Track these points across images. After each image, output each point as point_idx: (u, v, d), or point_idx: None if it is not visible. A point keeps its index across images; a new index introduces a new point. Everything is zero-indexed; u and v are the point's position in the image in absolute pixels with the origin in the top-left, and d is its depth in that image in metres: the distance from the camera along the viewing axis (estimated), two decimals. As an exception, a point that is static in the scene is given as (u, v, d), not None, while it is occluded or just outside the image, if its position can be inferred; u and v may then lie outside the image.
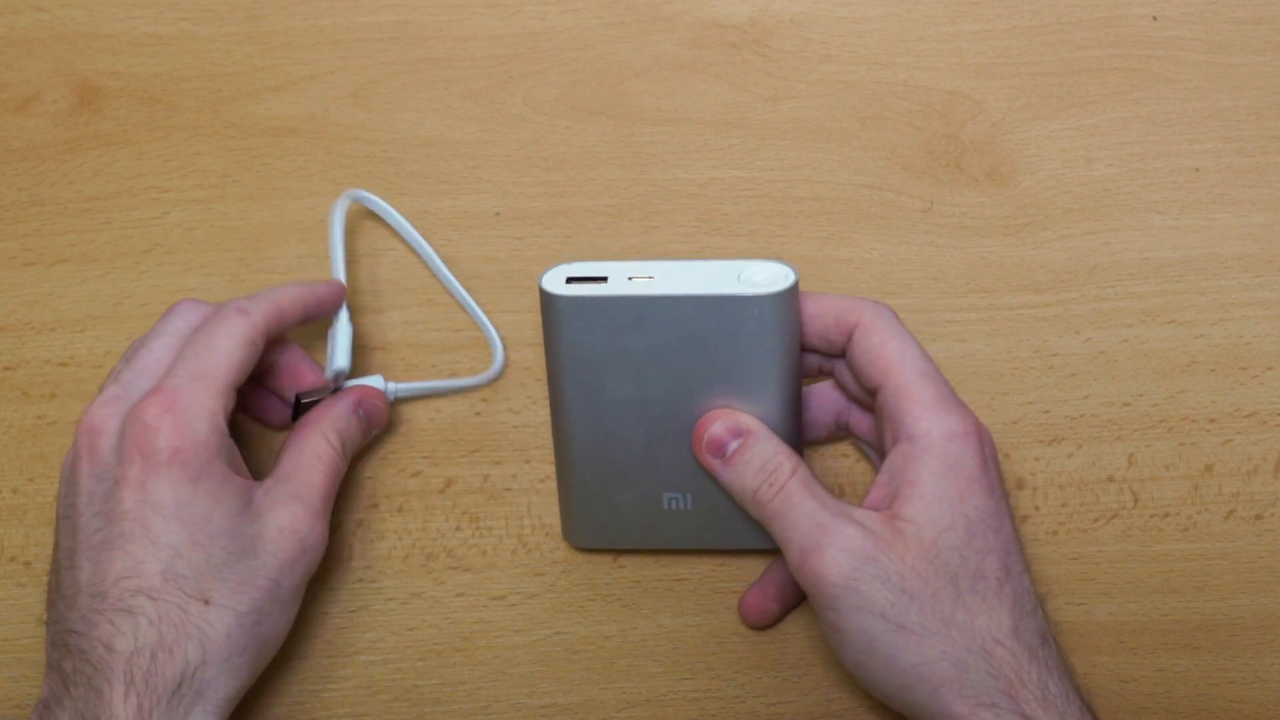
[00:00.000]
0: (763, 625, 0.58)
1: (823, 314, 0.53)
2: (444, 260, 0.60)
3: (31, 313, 0.61)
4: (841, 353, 0.54)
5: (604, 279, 0.52)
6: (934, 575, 0.49)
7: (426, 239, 0.60)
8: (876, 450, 0.57)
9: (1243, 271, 0.60)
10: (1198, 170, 0.61)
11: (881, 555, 0.49)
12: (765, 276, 0.52)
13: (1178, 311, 0.60)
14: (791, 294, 0.52)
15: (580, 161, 0.61)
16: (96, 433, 0.51)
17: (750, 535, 0.56)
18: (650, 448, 0.54)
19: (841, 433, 0.58)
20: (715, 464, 0.53)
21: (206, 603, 0.49)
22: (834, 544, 0.49)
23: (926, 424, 0.51)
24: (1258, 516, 0.59)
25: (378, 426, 0.58)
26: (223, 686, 0.50)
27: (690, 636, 0.59)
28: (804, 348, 0.54)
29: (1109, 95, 0.61)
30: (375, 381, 0.58)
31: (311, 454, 0.54)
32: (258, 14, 0.62)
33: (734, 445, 0.52)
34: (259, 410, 0.58)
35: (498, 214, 0.61)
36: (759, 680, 0.58)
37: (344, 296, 0.58)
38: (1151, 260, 0.60)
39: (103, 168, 0.62)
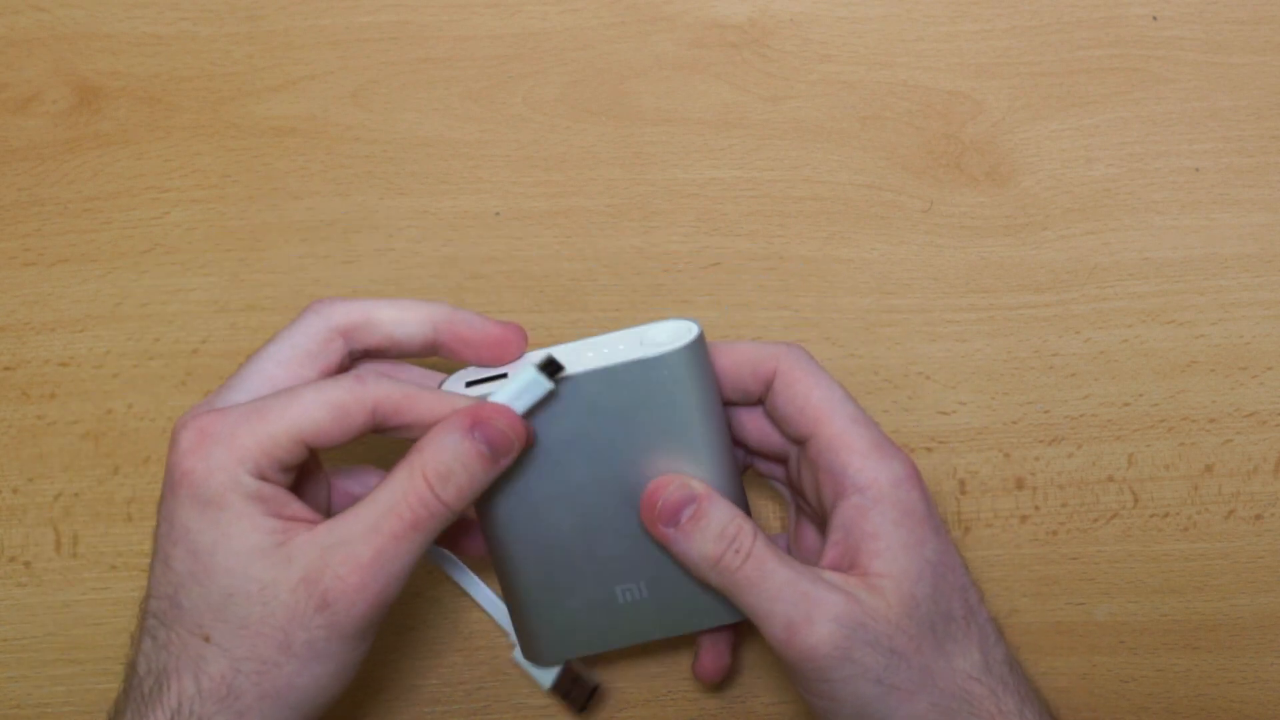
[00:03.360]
0: (723, 680, 0.57)
1: (736, 365, 0.51)
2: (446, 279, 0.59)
3: (31, 313, 0.61)
4: (759, 401, 0.52)
5: (504, 375, 0.50)
6: (916, 628, 0.48)
7: (426, 239, 0.60)
8: (795, 492, 0.55)
9: (1243, 271, 0.60)
10: (1198, 170, 0.61)
11: (869, 620, 0.47)
12: (668, 335, 0.50)
13: (1178, 311, 0.60)
14: (697, 347, 0.49)
15: (580, 161, 0.61)
16: (170, 440, 0.49)
17: (716, 613, 0.53)
18: (590, 540, 0.51)
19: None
20: (670, 533, 0.49)
21: (207, 639, 0.47)
22: (823, 615, 0.47)
23: (873, 473, 0.49)
24: (1258, 516, 0.59)
25: (506, 457, 0.48)
26: None
27: (690, 636, 0.59)
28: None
29: (1109, 95, 0.61)
30: (527, 378, 0.49)
31: (394, 495, 0.47)
32: (258, 14, 0.62)
33: (688, 512, 0.49)
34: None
35: (498, 214, 0.61)
36: (759, 680, 0.58)
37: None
38: (1151, 260, 0.60)
39: (103, 168, 0.62)
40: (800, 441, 0.52)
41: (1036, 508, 0.59)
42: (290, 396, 0.47)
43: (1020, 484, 0.59)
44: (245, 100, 0.62)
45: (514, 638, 0.54)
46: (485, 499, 0.51)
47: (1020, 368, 0.60)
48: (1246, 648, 0.58)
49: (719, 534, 0.49)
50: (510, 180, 0.61)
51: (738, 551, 0.49)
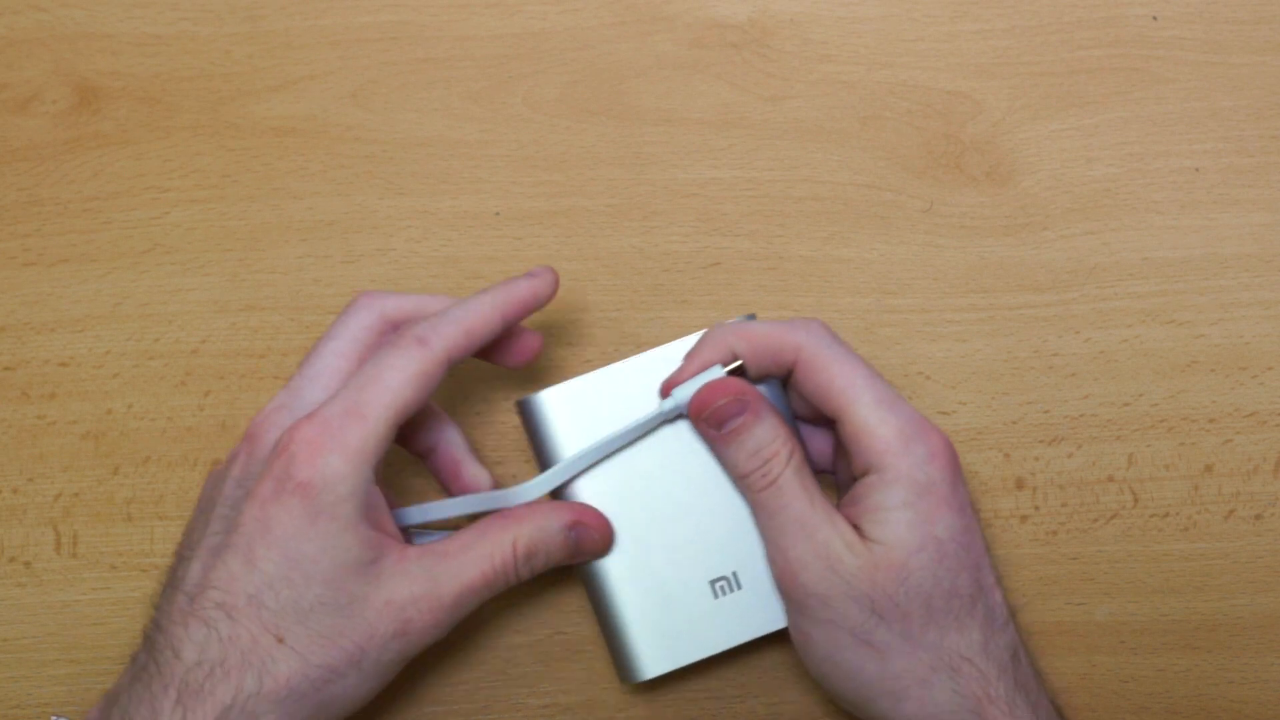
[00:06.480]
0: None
1: (756, 353, 0.52)
2: (448, 259, 0.60)
3: (31, 313, 0.61)
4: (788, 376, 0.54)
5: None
6: (905, 597, 0.49)
7: (426, 239, 0.60)
8: (831, 469, 0.56)
9: (1243, 271, 0.60)
10: (1198, 170, 0.61)
11: (854, 577, 0.49)
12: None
13: (1178, 311, 0.60)
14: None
15: (580, 161, 0.61)
16: (254, 441, 0.51)
17: None
18: (679, 534, 0.53)
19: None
20: (713, 434, 0.52)
21: (280, 640, 0.48)
22: (818, 561, 0.50)
23: (893, 458, 0.50)
24: (1258, 516, 0.59)
25: (584, 557, 0.53)
26: None
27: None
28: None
29: (1109, 95, 0.61)
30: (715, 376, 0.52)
31: (483, 551, 0.51)
32: (258, 14, 0.62)
33: (734, 423, 0.51)
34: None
35: (498, 214, 0.61)
36: (759, 680, 0.58)
37: (556, 287, 0.54)
38: (1151, 260, 0.60)
39: (103, 168, 0.62)
40: (830, 422, 0.53)
41: (1036, 508, 0.59)
42: (377, 384, 0.50)
43: (1020, 484, 0.59)
44: (245, 100, 0.62)
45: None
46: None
47: (1020, 368, 0.60)
48: (1246, 648, 0.58)
49: (754, 452, 0.51)
50: (510, 180, 0.61)
51: (764, 475, 0.51)
